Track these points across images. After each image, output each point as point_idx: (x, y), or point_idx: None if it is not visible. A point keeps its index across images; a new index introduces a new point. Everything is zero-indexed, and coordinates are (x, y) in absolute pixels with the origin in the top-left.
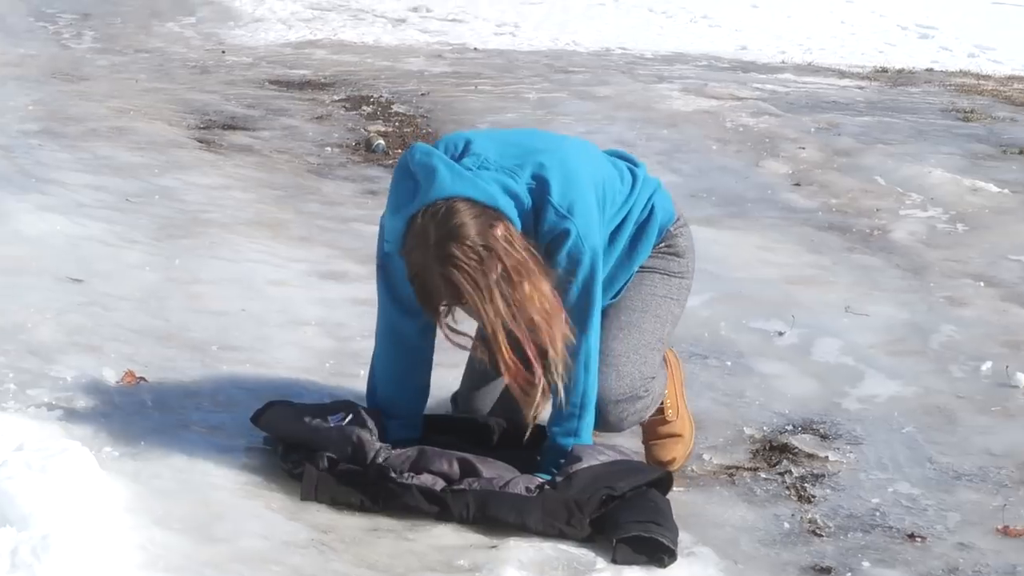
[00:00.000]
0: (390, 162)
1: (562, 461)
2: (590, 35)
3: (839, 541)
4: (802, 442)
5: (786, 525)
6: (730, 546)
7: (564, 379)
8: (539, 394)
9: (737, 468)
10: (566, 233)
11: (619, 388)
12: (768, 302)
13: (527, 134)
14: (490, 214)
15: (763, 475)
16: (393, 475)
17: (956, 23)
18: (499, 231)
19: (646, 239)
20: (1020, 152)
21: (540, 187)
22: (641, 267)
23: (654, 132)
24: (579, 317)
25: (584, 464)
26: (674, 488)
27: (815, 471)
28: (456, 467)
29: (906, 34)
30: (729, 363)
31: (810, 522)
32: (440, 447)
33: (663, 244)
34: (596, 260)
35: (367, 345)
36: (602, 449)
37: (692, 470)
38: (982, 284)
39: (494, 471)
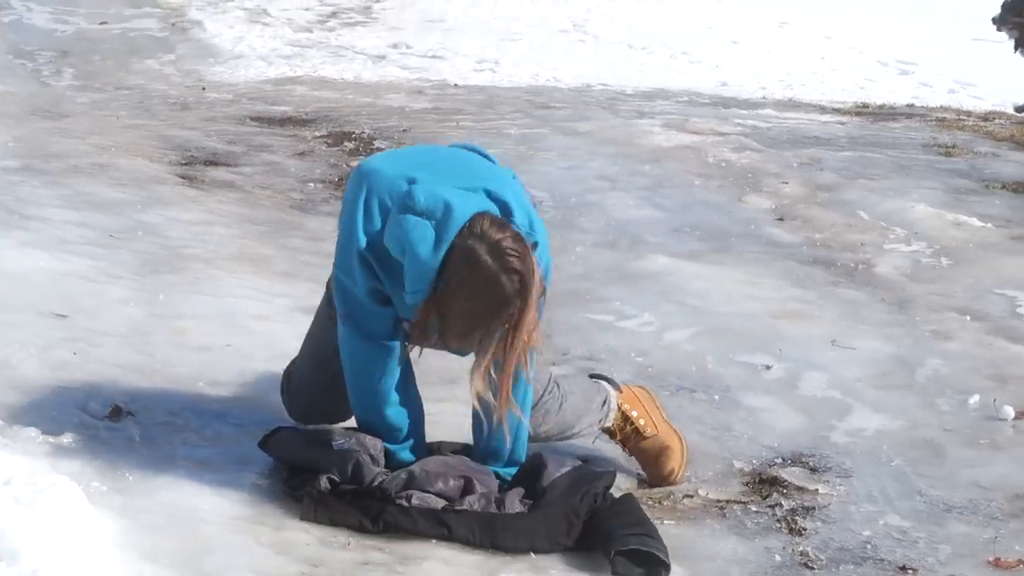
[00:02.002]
0: None
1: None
2: (570, 71)
3: (831, 574)
4: (792, 475)
5: (777, 558)
6: None
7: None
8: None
9: (728, 501)
10: (533, 247)
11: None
12: (754, 336)
13: (452, 158)
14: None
15: (753, 508)
16: (395, 498)
17: (936, 59)
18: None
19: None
20: (1002, 186)
21: (503, 209)
22: None
23: (636, 167)
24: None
25: (552, 471)
26: (664, 521)
27: (805, 504)
28: (453, 484)
29: (886, 70)
30: (717, 397)
31: (801, 555)
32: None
33: None
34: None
35: None
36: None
37: (683, 503)
38: (967, 318)
39: (484, 483)
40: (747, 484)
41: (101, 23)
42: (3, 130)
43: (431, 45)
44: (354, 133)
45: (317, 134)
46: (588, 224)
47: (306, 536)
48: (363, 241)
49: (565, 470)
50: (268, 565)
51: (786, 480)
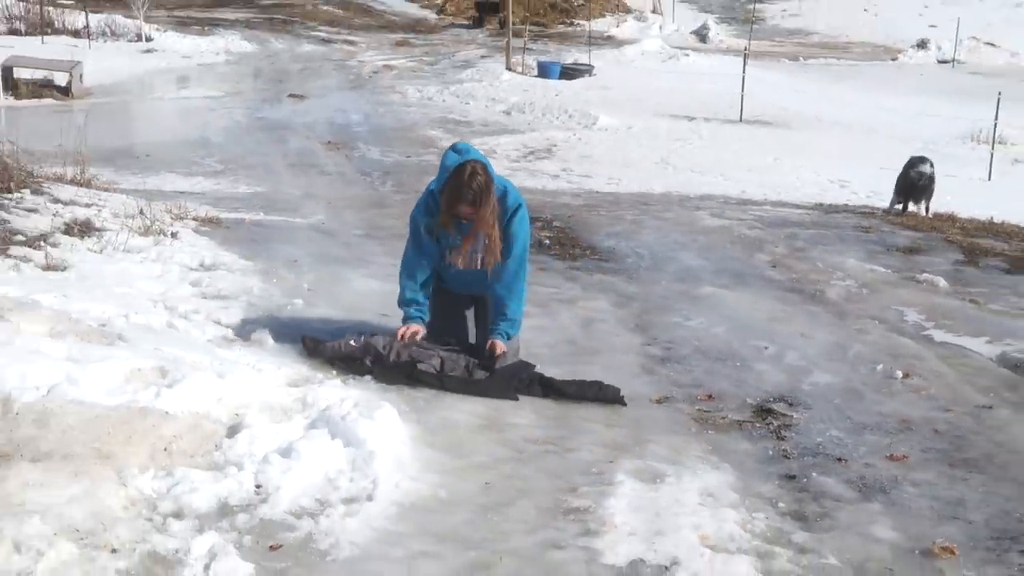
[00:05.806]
0: (553, 251)
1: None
2: (660, 184)
3: (799, 462)
4: (779, 407)
5: (770, 452)
6: (739, 464)
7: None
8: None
9: (743, 421)
10: (519, 206)
11: None
12: (758, 330)
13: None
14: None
15: (757, 425)
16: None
17: (861, 179)
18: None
19: None
20: (897, 250)
21: (505, 190)
22: None
23: (695, 237)
24: (522, 253)
25: (499, 364)
26: (708, 431)
27: (786, 423)
28: (439, 360)
29: (832, 184)
30: (738, 364)
31: (783, 451)
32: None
33: None
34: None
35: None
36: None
37: (719, 422)
38: (877, 322)
39: (455, 362)
40: (754, 412)
41: (407, 156)
42: (355, 214)
43: (584, 169)
44: (542, 217)
45: None
46: (669, 268)
47: (515, 435)
48: (431, 189)
49: (506, 363)
50: (495, 450)
51: (775, 410)
